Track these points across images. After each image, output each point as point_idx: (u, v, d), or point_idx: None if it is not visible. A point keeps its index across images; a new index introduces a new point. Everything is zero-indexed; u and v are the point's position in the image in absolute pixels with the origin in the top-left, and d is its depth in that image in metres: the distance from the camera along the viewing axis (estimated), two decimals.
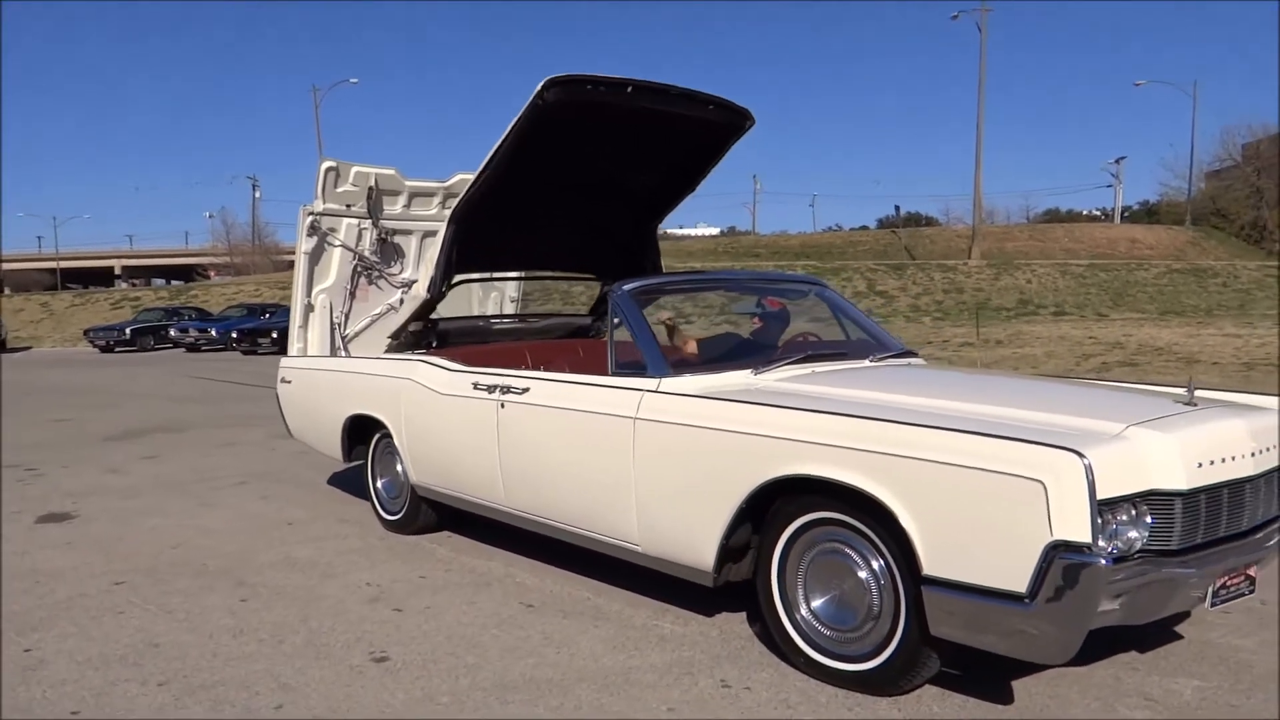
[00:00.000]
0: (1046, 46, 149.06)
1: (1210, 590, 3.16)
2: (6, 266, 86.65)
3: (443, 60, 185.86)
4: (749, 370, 4.10)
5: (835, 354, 4.49)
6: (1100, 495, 2.82)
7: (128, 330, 28.62)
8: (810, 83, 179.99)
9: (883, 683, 3.26)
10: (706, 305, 5.95)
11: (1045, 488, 2.72)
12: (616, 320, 4.37)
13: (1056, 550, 2.71)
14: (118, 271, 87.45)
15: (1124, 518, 2.92)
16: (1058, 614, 2.74)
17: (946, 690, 3.32)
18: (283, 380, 6.60)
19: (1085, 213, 76.76)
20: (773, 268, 36.76)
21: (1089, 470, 2.68)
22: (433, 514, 5.53)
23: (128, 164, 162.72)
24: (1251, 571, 3.31)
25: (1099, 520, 2.75)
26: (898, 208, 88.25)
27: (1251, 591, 3.34)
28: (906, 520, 3.04)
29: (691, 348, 4.75)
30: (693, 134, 5.62)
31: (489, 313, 7.49)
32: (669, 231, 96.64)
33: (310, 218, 6.46)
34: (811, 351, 4.40)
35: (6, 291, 66.45)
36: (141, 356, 26.70)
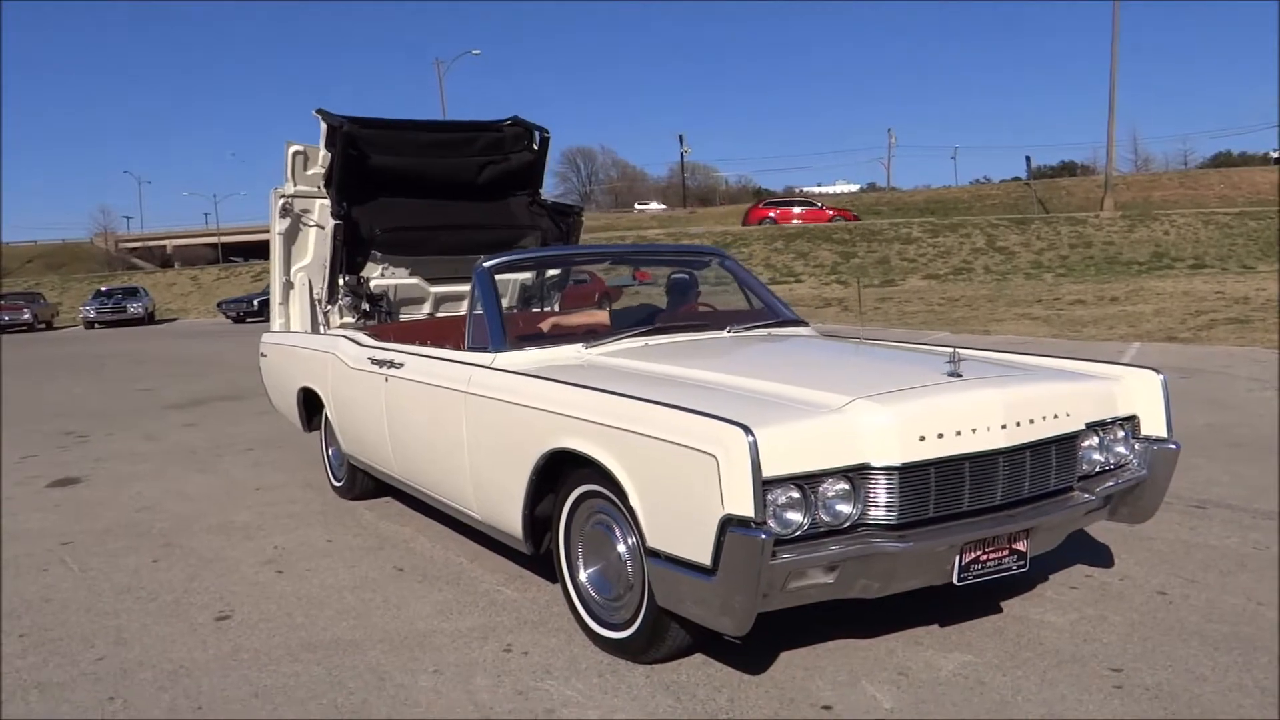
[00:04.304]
0: None
1: (955, 565, 3.11)
2: (176, 243, 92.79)
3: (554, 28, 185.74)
4: (581, 345, 4.18)
5: (694, 325, 4.50)
6: (803, 468, 2.86)
7: (255, 301, 30.23)
8: (958, 26, 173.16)
9: (636, 651, 3.33)
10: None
11: (718, 462, 2.74)
12: (476, 296, 4.50)
13: (729, 524, 2.73)
14: None
15: (832, 492, 2.92)
16: (733, 586, 2.77)
17: (709, 660, 3.36)
18: (262, 354, 6.99)
19: (1265, 155, 71.73)
20: (887, 225, 35.81)
21: (753, 446, 2.69)
22: (369, 481, 5.79)
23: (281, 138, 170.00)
24: (1020, 546, 3.23)
25: (767, 494, 2.76)
26: (1029, 159, 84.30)
27: (1023, 567, 3.27)
28: (632, 493, 3.09)
29: (601, 318, 4.85)
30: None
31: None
32: (804, 190, 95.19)
33: (282, 200, 6.79)
34: (659, 324, 4.44)
35: (176, 266, 70.73)
36: (266, 326, 28.18)
